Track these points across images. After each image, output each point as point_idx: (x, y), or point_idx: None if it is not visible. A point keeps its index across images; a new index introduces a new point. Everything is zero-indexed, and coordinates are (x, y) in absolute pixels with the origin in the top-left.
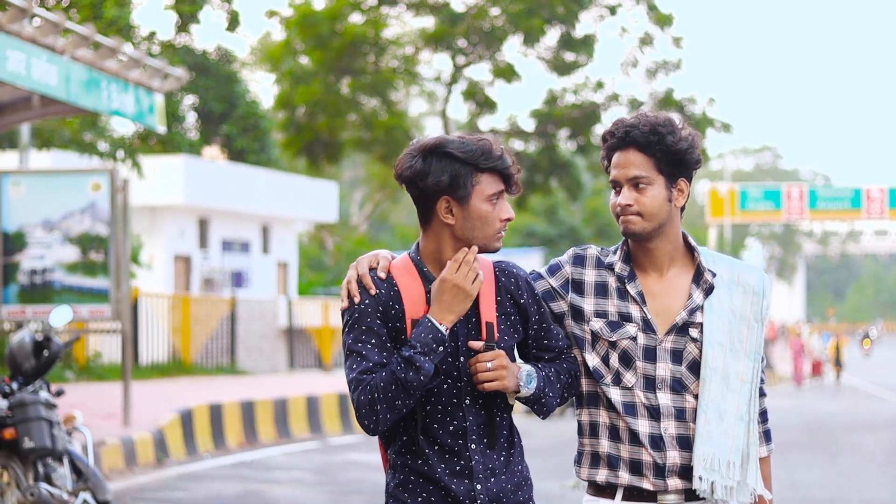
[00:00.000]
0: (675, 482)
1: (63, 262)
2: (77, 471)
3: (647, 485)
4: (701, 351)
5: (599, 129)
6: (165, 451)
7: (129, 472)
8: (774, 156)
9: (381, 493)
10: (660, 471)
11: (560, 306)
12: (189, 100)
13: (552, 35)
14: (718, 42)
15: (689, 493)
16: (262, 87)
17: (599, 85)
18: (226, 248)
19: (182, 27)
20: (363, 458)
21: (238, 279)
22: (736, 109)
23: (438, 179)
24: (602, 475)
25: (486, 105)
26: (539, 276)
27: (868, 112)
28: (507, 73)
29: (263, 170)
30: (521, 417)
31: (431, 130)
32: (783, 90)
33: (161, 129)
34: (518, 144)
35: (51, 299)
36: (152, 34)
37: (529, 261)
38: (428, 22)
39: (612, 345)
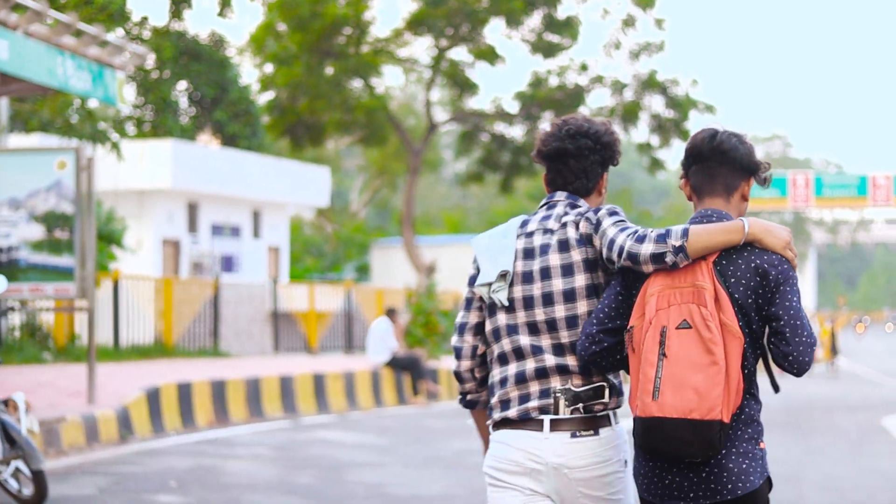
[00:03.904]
0: None
1: (28, 241)
2: (10, 440)
3: None
4: None
5: (584, 112)
6: (130, 429)
7: (88, 448)
8: (784, 144)
9: (334, 467)
10: None
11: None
12: (181, 85)
13: (536, 17)
14: (730, 31)
15: None
16: (254, 72)
17: (583, 67)
18: (216, 232)
19: (175, 13)
20: (331, 435)
21: (228, 263)
22: (746, 98)
23: (761, 163)
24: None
25: (467, 87)
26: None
27: (880, 99)
28: (488, 54)
29: (254, 154)
30: None
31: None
32: (794, 79)
33: (121, 106)
34: (502, 127)
35: (16, 277)
36: (144, 19)
37: None
38: (411, 6)
39: None
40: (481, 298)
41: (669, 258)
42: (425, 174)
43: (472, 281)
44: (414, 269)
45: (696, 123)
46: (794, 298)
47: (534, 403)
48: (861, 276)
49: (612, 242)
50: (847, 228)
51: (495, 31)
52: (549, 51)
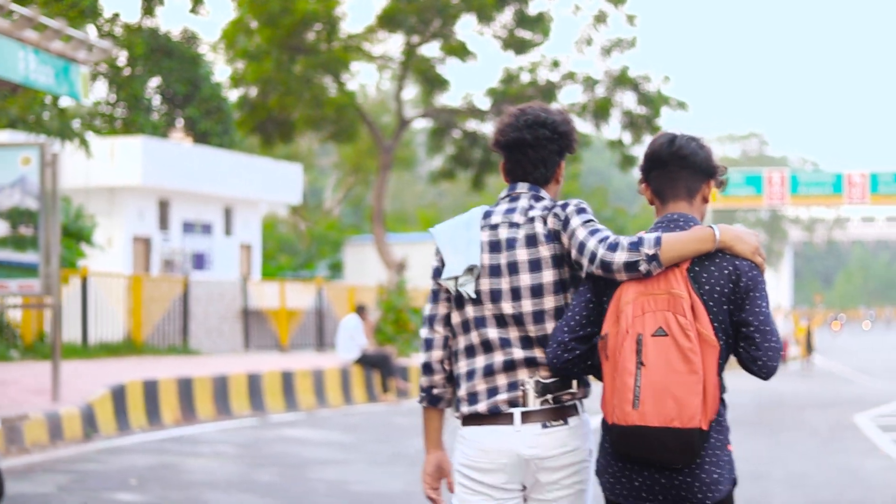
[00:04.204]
0: None
1: None
2: None
3: None
4: None
5: (555, 108)
6: (94, 427)
7: (52, 446)
8: (761, 142)
9: (297, 465)
10: None
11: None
12: (153, 82)
13: (507, 13)
14: (705, 28)
15: None
16: (226, 69)
17: (555, 63)
18: (187, 229)
19: (147, 9)
20: (297, 433)
21: (199, 261)
22: (722, 96)
23: (719, 166)
24: None
25: (438, 83)
26: None
27: (857, 97)
28: (459, 51)
29: (225, 151)
30: None
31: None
32: (770, 77)
33: (84, 101)
34: (474, 124)
35: None
36: (116, 16)
37: None
38: (383, 2)
39: None
40: (448, 290)
41: (643, 267)
42: (401, 172)
43: (437, 273)
44: (385, 266)
45: (668, 120)
46: (764, 304)
47: (503, 396)
48: (837, 274)
49: (582, 246)
50: (823, 226)
51: (467, 28)
52: (520, 47)
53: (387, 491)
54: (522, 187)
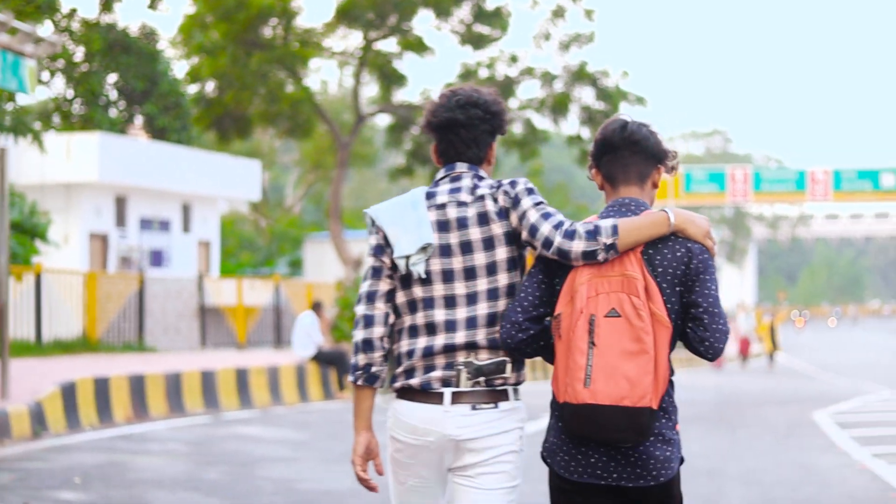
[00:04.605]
0: None
1: None
2: None
3: None
4: None
5: (513, 104)
6: (44, 425)
7: None
8: (724, 139)
9: (246, 463)
10: None
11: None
12: (111, 78)
13: (465, 8)
14: (669, 27)
15: None
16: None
17: (513, 59)
18: (144, 226)
19: (105, 5)
20: (249, 431)
21: (157, 258)
22: (686, 94)
23: (669, 151)
24: None
25: (395, 78)
26: None
27: (820, 95)
28: (416, 46)
29: (183, 148)
30: None
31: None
32: (735, 75)
33: (31, 94)
34: None
35: None
36: (73, 11)
37: None
38: None
39: None
40: (392, 267)
41: (601, 256)
42: (363, 170)
43: (378, 250)
44: (341, 262)
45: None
46: (713, 287)
47: (437, 374)
48: (801, 271)
49: (534, 229)
50: (787, 223)
51: (424, 22)
52: (478, 42)
53: (334, 489)
54: (462, 167)
